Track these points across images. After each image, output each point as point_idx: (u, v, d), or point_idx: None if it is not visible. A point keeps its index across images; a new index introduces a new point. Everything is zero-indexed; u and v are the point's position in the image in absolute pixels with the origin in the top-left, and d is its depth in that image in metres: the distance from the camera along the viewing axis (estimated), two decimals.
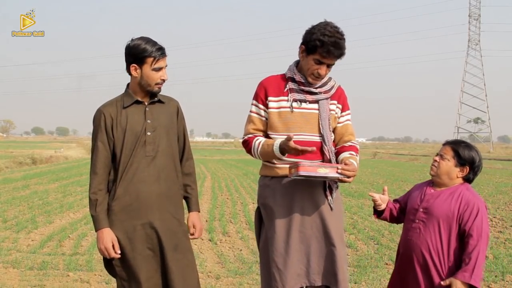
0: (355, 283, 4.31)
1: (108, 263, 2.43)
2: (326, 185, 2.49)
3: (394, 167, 24.30)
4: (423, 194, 2.46)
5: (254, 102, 2.55)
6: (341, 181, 2.38)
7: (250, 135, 2.55)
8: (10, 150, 35.48)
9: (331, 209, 2.49)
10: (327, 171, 2.32)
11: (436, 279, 2.33)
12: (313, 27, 2.41)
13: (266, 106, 2.50)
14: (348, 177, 2.33)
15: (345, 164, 2.37)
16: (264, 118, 2.53)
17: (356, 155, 2.52)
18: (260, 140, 2.49)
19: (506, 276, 4.57)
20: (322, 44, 2.33)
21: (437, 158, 2.45)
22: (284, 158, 2.41)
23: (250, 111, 2.56)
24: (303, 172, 2.27)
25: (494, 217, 8.07)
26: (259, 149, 2.48)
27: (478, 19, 75.51)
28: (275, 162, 2.50)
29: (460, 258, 2.32)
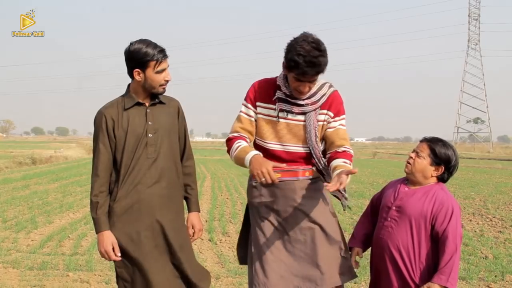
0: (355, 283, 4.31)
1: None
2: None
3: (394, 167, 24.29)
4: (397, 192, 2.40)
5: (244, 102, 2.52)
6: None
7: (235, 134, 2.50)
8: (10, 150, 35.47)
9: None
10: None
11: (407, 279, 2.30)
12: (292, 43, 2.27)
13: (255, 108, 2.48)
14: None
15: (339, 181, 2.14)
16: (252, 119, 2.50)
17: (350, 164, 2.37)
18: (240, 145, 2.42)
19: (506, 276, 4.58)
20: (297, 65, 2.20)
21: (412, 155, 2.38)
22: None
23: (240, 111, 2.53)
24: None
25: (494, 217, 8.08)
26: (235, 153, 2.41)
27: (478, 19, 75.62)
28: None
29: (431, 259, 2.28)
